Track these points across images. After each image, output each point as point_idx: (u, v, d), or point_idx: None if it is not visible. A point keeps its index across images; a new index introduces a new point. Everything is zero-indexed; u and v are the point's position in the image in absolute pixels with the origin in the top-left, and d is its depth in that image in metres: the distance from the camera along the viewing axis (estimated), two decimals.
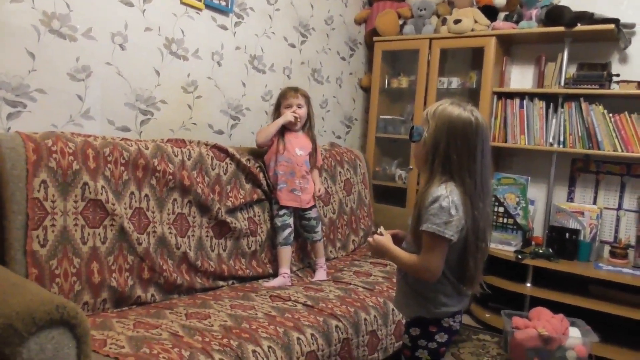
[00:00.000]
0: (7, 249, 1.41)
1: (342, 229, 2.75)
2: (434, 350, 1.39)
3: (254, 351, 1.46)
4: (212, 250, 2.07)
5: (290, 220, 2.30)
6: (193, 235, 2.00)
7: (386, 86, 3.51)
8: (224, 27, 2.52)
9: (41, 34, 1.79)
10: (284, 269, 2.21)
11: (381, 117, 3.47)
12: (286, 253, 2.25)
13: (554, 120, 2.88)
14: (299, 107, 2.32)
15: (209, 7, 2.40)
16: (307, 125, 2.39)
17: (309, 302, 1.86)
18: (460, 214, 1.27)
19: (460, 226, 1.27)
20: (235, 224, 2.14)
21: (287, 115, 2.28)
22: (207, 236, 2.06)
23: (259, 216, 2.30)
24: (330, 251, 2.64)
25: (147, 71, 2.18)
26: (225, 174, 2.18)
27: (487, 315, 2.86)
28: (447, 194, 1.26)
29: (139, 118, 2.17)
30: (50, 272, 1.49)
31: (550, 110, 2.89)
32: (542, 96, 2.93)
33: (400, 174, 3.40)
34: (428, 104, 3.18)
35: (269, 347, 1.50)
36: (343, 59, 3.44)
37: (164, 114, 2.27)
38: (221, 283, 2.06)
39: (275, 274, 2.23)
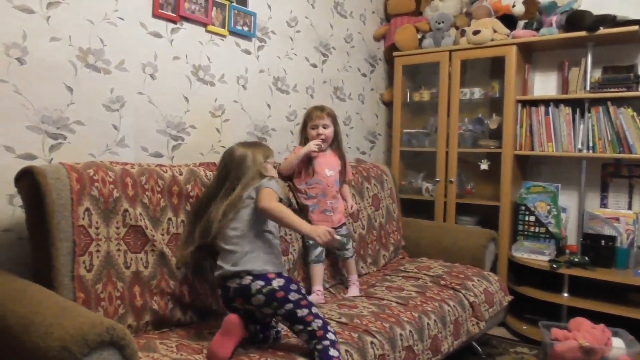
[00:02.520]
0: (55, 275, 1.47)
1: (372, 245, 2.75)
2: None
3: None
4: None
5: None
6: None
7: (408, 100, 3.53)
8: (248, 52, 2.59)
9: (78, 68, 1.88)
10: (317, 287, 2.22)
11: (405, 130, 3.49)
12: (318, 270, 2.26)
13: (581, 126, 2.85)
14: (325, 128, 2.31)
15: (233, 33, 2.48)
16: (335, 143, 2.39)
17: (343, 319, 1.87)
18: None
19: None
20: None
21: (310, 146, 2.25)
22: None
23: (290, 235, 2.33)
24: (362, 267, 2.64)
25: (177, 98, 2.26)
26: None
27: (523, 327, 2.81)
28: None
29: (171, 143, 2.24)
30: (96, 296, 1.54)
31: (577, 116, 2.86)
32: (568, 102, 2.91)
33: (427, 186, 3.40)
34: (451, 116, 3.20)
35: None
36: (364, 75, 3.49)
37: (194, 138, 2.34)
38: None
39: (308, 292, 2.25)
